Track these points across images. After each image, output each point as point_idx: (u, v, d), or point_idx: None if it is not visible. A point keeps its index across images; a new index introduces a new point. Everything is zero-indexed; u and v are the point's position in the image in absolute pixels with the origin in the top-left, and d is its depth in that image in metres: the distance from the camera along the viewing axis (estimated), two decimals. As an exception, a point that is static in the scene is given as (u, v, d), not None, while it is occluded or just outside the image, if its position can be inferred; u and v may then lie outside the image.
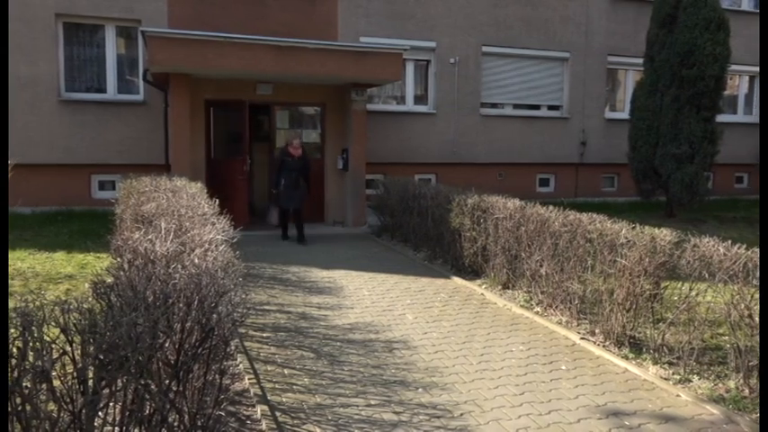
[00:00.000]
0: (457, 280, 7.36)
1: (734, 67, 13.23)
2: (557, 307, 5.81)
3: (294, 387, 4.12)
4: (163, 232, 3.89)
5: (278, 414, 3.69)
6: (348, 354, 4.78)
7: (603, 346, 4.98)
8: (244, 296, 3.32)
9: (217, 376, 3.08)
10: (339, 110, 11.74)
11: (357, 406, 3.85)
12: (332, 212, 11.89)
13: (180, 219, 4.50)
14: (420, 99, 13.79)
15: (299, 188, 9.72)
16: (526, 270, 6.31)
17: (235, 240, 4.18)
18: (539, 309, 6.02)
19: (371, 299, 6.46)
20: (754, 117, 16.80)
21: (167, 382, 2.69)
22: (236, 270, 3.59)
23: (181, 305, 2.81)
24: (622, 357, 4.75)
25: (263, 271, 7.59)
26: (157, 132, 11.52)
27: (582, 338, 5.18)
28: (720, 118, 12.77)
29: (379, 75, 10.93)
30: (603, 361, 4.75)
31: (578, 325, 5.49)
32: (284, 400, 3.91)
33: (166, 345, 2.76)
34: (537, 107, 14.72)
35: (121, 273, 3.25)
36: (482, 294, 6.73)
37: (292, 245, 9.57)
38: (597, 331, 5.18)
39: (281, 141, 11.89)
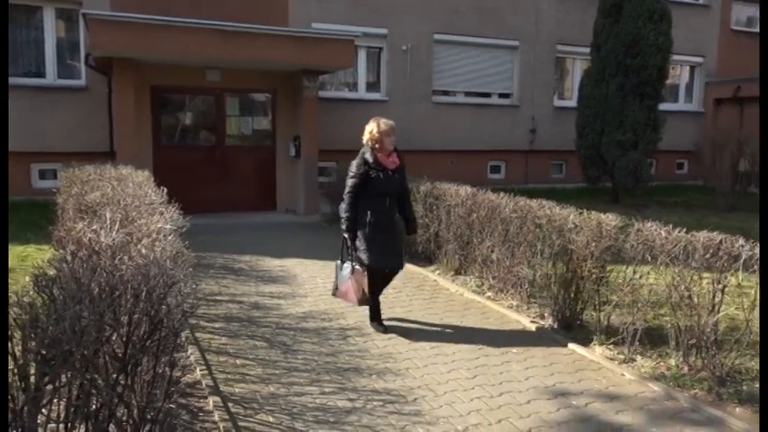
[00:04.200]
0: (410, 267, 7.40)
1: (675, 56, 13.70)
2: (507, 291, 5.93)
3: (247, 377, 4.08)
4: (108, 222, 3.77)
5: (230, 405, 3.65)
6: (302, 342, 4.76)
7: (552, 329, 5.11)
8: (194, 286, 3.25)
9: (167, 368, 3.02)
10: (291, 97, 11.59)
11: (311, 394, 3.84)
12: (284, 200, 11.78)
13: (126, 208, 4.38)
14: (373, 86, 13.75)
15: (397, 227, 5.25)
16: (478, 256, 6.40)
17: (184, 230, 4.09)
18: (490, 293, 6.12)
19: (325, 287, 6.43)
20: (694, 105, 17.45)
21: (115, 375, 2.62)
22: (186, 260, 3.51)
23: (128, 297, 2.73)
24: (571, 339, 4.88)
25: (215, 260, 7.46)
26: (101, 119, 11.12)
27: (532, 321, 5.31)
28: (663, 106, 13.21)
29: (331, 61, 10.84)
30: (553, 343, 4.87)
31: (528, 308, 5.62)
32: (237, 390, 3.87)
33: (113, 338, 2.69)
34: (488, 95, 14.89)
35: (64, 265, 3.13)
36: (435, 281, 6.80)
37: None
38: (547, 314, 5.32)
39: (233, 129, 11.69)
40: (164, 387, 2.95)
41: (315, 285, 6.49)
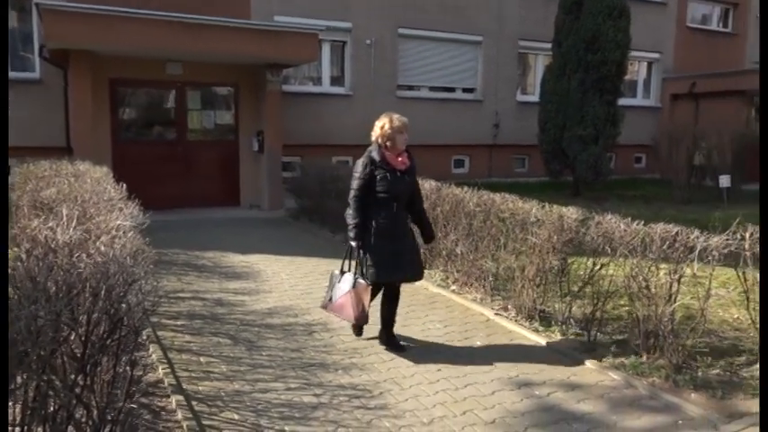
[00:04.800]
0: (375, 261, 7.42)
1: (634, 53, 14.00)
2: (472, 285, 5.99)
3: (211, 375, 4.03)
4: (65, 219, 3.68)
5: (194, 403, 3.60)
6: (267, 338, 4.73)
7: (516, 321, 5.18)
8: (155, 284, 3.19)
9: (127, 368, 2.96)
10: (254, 90, 11.46)
11: (276, 390, 3.82)
12: (247, 196, 11.65)
13: (84, 205, 4.27)
14: (337, 80, 13.69)
15: (409, 234, 4.65)
16: (442, 250, 6.44)
17: (145, 226, 4.01)
18: (455, 287, 6.18)
19: (290, 282, 6.41)
20: (652, 101, 17.88)
21: (73, 376, 2.56)
22: (147, 257, 3.44)
23: (87, 295, 2.67)
24: (533, 330, 4.97)
25: (177, 257, 7.34)
26: (57, 113, 10.80)
27: (496, 314, 5.37)
28: (622, 101, 13.49)
29: (294, 55, 10.75)
30: (516, 335, 4.95)
31: (492, 301, 5.69)
32: (201, 388, 3.82)
33: (71, 338, 2.63)
34: (452, 90, 14.98)
35: (19, 263, 3.04)
36: (400, 275, 6.82)
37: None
38: (510, 306, 5.39)
39: (195, 123, 11.50)
40: (124, 387, 2.90)
41: (280, 281, 6.45)
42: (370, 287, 4.40)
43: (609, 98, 12.78)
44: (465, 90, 15.12)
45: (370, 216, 4.35)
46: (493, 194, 5.93)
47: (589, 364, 4.35)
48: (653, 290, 4.25)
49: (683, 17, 18.15)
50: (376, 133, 4.49)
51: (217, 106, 11.86)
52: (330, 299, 4.60)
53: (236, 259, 7.38)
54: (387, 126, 4.43)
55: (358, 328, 4.71)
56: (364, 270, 4.40)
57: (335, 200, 8.98)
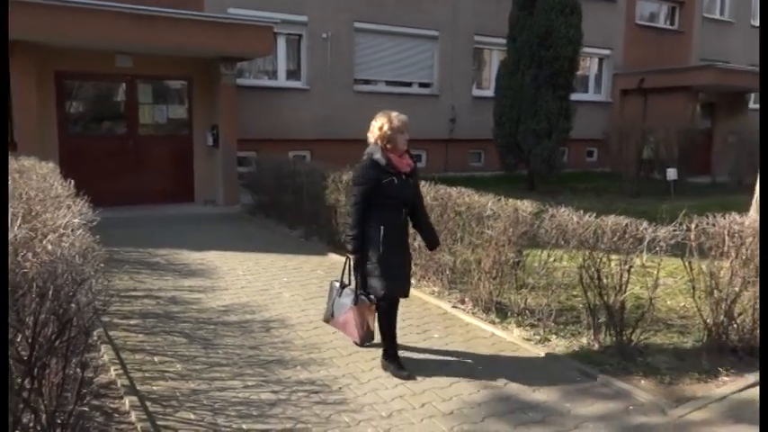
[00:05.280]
0: (333, 256, 7.40)
1: (585, 49, 14.31)
2: (429, 278, 6.03)
3: (166, 374, 3.95)
4: (9, 217, 3.53)
5: (148, 404, 3.52)
6: (223, 336, 4.66)
7: (473, 313, 5.25)
8: (106, 283, 3.11)
9: (78, 370, 2.87)
10: (207, 84, 11.24)
11: (234, 388, 3.77)
12: (202, 191, 11.44)
13: (29, 202, 4.11)
14: (293, 74, 13.56)
15: (408, 246, 4.44)
16: (400, 244, 6.46)
17: (95, 224, 3.89)
18: (413, 281, 6.19)
19: (247, 279, 6.33)
20: (603, 96, 18.32)
21: (20, 380, 2.47)
22: (97, 255, 3.34)
23: (33, 296, 2.58)
24: (490, 322, 5.04)
25: (129, 255, 7.16)
26: (0, 107, 10.35)
27: (453, 307, 5.43)
28: (574, 96, 13.79)
29: (248, 48, 10.60)
30: (473, 327, 5.01)
31: (450, 294, 5.74)
32: (155, 388, 3.74)
33: (17, 340, 2.54)
34: (409, 84, 15.02)
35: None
36: (358, 269, 6.82)
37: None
38: (467, 299, 5.45)
39: (147, 117, 11.22)
40: (75, 389, 2.81)
41: (236, 278, 6.36)
42: (374, 306, 4.08)
43: (562, 93, 13.05)
44: (421, 85, 15.19)
45: (376, 225, 3.95)
46: (449, 188, 5.98)
47: (544, 353, 4.44)
48: (604, 280, 4.36)
49: (632, 14, 18.64)
50: (374, 134, 4.09)
51: (169, 100, 11.60)
52: (332, 314, 4.31)
53: (190, 256, 7.25)
54: (386, 126, 4.04)
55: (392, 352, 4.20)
56: (366, 284, 4.04)
57: (293, 195, 8.93)
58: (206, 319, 5.06)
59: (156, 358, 4.21)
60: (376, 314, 4.21)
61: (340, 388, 3.84)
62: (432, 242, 4.44)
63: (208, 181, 11.41)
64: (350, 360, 4.27)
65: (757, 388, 3.94)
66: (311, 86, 13.42)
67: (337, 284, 4.31)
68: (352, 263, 4.10)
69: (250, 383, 3.85)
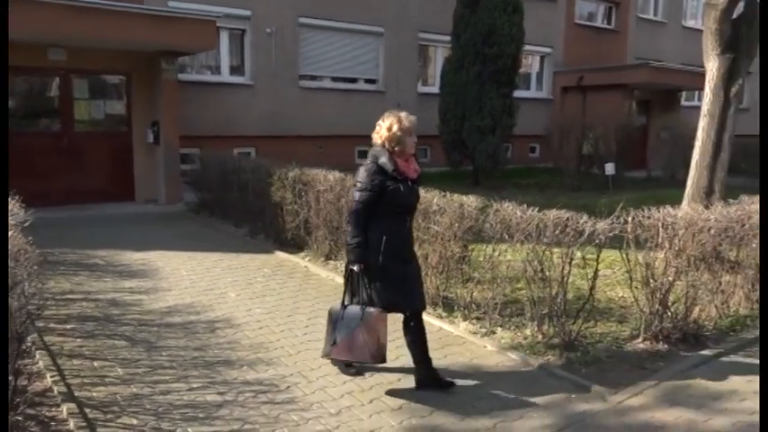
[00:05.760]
0: (280, 254, 7.33)
1: (527, 47, 14.61)
2: (377, 274, 6.03)
3: (106, 379, 3.82)
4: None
5: (88, 410, 3.40)
6: (167, 338, 4.54)
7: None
8: (40, 286, 2.98)
9: (11, 378, 2.75)
10: (147, 79, 10.91)
11: (178, 391, 3.68)
12: (143, 190, 11.11)
13: (-46, 202, 3.89)
14: (236, 70, 13.31)
15: (415, 255, 4.15)
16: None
17: (27, 224, 3.72)
18: (361, 277, 6.20)
19: (191, 279, 6.19)
20: (545, 93, 18.76)
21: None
22: (30, 257, 3.21)
23: (-42, 302, 2.45)
24: (437, 317, 5.10)
25: (65, 257, 6.89)
26: None
27: (401, 302, 5.45)
28: (517, 93, 14.08)
29: (190, 43, 10.34)
30: (420, 322, 5.05)
31: (397, 290, 5.76)
32: (95, 394, 3.61)
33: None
34: (354, 80, 14.99)
35: None
36: (306, 267, 6.78)
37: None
38: (414, 294, 5.48)
39: (83, 113, 10.79)
40: (7, 398, 2.69)
41: (180, 278, 6.21)
42: (385, 315, 3.67)
43: (505, 90, 13.29)
44: (367, 81, 15.19)
45: (378, 234, 3.63)
46: (396, 184, 5.99)
47: (490, 346, 4.52)
48: (547, 273, 4.47)
49: (572, 14, 19.16)
50: (381, 136, 3.76)
51: (107, 95, 11.20)
52: (334, 342, 3.71)
53: (131, 257, 7.03)
54: (395, 127, 3.73)
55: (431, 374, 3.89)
56: (372, 296, 3.67)
57: (238, 192, 8.78)
58: (148, 321, 4.92)
59: (95, 363, 4.07)
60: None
61: (288, 387, 3.80)
62: None
63: (149, 179, 11.09)
64: (298, 359, 4.24)
65: (691, 371, 4.14)
66: (255, 82, 13.22)
67: (338, 308, 3.77)
68: (355, 274, 3.68)
69: (195, 385, 3.77)
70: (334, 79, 14.64)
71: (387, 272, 3.66)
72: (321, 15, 13.93)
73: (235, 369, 4.04)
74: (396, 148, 3.74)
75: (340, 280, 6.14)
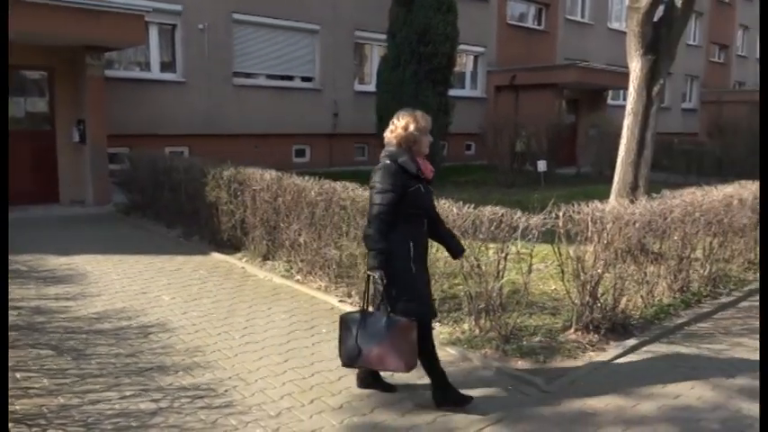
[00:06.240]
0: (216, 255, 7.17)
1: (462, 46, 14.85)
2: (316, 273, 6.01)
3: (30, 391, 3.63)
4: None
5: (11, 425, 3.21)
6: (96, 345, 4.36)
7: (360, 306, 5.28)
8: (-46, 295, 2.80)
9: None
10: (71, 75, 10.43)
11: (110, 400, 3.54)
12: (68, 191, 10.63)
13: None
14: (167, 66, 12.92)
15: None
16: (285, 240, 6.39)
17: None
18: (299, 277, 6.16)
19: (122, 283, 5.97)
20: (479, 92, 19.14)
21: None
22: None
23: None
24: (376, 314, 5.10)
25: (-16, 263, 6.49)
26: None
27: (340, 301, 5.45)
28: (452, 92, 14.29)
29: (117, 38, 9.94)
30: (360, 320, 5.05)
31: (337, 288, 5.75)
32: (18, 407, 3.42)
33: None
34: (290, 78, 14.84)
35: None
36: (243, 268, 6.66)
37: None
38: (354, 293, 5.49)
39: None
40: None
41: (109, 282, 5.98)
42: (415, 322, 3.43)
43: (440, 89, 13.46)
44: (303, 79, 15.06)
45: (403, 239, 3.45)
46: (334, 183, 5.98)
47: (429, 342, 4.57)
48: (483, 268, 4.56)
49: (504, 14, 19.63)
50: (397, 135, 3.60)
51: (27, 92, 10.62)
52: (359, 352, 3.44)
53: (56, 261, 6.71)
54: (412, 126, 3.58)
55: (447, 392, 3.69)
56: (405, 307, 3.44)
57: (170, 193, 8.53)
58: (76, 328, 4.71)
59: (17, 374, 3.85)
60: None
61: (226, 390, 3.72)
62: (459, 249, 3.93)
63: (75, 180, 10.61)
64: (236, 361, 4.16)
65: (620, 360, 4.32)
66: (187, 79, 12.87)
67: (356, 315, 3.56)
68: (376, 282, 3.44)
69: (128, 393, 3.63)
70: (270, 77, 14.45)
71: (416, 282, 3.51)
72: (255, 12, 13.71)
73: (170, 374, 3.92)
74: (412, 148, 3.61)
75: (278, 280, 6.09)
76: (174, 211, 8.56)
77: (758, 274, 6.63)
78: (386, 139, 3.67)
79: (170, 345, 4.42)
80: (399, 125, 3.62)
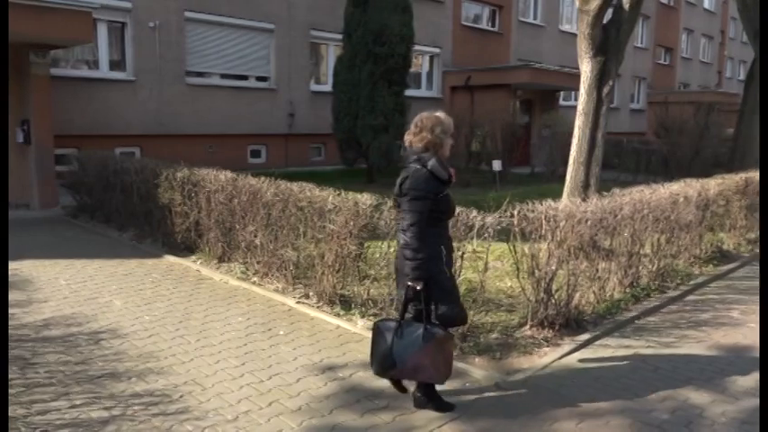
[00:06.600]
0: (170, 258, 7.01)
1: (417, 47, 14.96)
2: (273, 275, 5.94)
3: (-27, 403, 3.48)
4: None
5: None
6: (44, 354, 4.21)
7: (317, 307, 5.27)
8: None
9: None
10: (14, 74, 10.01)
11: (59, 410, 3.42)
12: (13, 194, 10.21)
13: None
14: (117, 65, 12.58)
15: None
16: (241, 242, 6.30)
17: None
18: (256, 279, 6.08)
19: (71, 288, 5.78)
20: (435, 92, 19.29)
21: None
22: None
23: None
24: (335, 315, 5.09)
25: None
26: None
27: (298, 302, 5.41)
28: (408, 92, 14.36)
29: (63, 35, 9.61)
30: (318, 321, 5.03)
31: (294, 290, 5.70)
32: (-40, 420, 3.28)
33: None
34: (245, 77, 14.65)
35: None
36: (198, 270, 6.53)
37: None
38: (311, 294, 5.46)
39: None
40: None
41: (57, 288, 5.78)
42: (452, 334, 3.46)
43: (396, 89, 13.52)
44: (259, 78, 14.89)
45: (436, 245, 3.40)
46: (290, 184, 5.93)
47: (387, 341, 4.57)
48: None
49: (458, 15, 19.84)
50: (424, 138, 3.51)
51: (-33, 91, 10.18)
52: (393, 363, 3.40)
53: (1, 267, 6.44)
54: (438, 129, 3.52)
55: (399, 384, 3.68)
56: (446, 315, 3.45)
57: (122, 195, 8.31)
58: (22, 336, 4.53)
59: (-41, 385, 3.69)
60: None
61: (181, 396, 3.65)
62: None
63: (18, 182, 10.21)
64: (192, 366, 4.08)
65: (574, 355, 4.42)
66: (138, 78, 12.56)
67: (392, 323, 3.47)
68: (412, 293, 3.37)
69: (78, 402, 3.52)
70: (224, 76, 14.24)
71: (451, 283, 3.53)
72: (208, 10, 13.49)
73: (122, 381, 3.81)
74: (438, 151, 3.53)
75: (234, 283, 6.01)
76: (125, 214, 8.34)
77: (704, 269, 6.89)
78: (408, 143, 3.59)
79: (122, 351, 4.30)
80: (426, 127, 3.53)
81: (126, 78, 12.48)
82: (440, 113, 3.63)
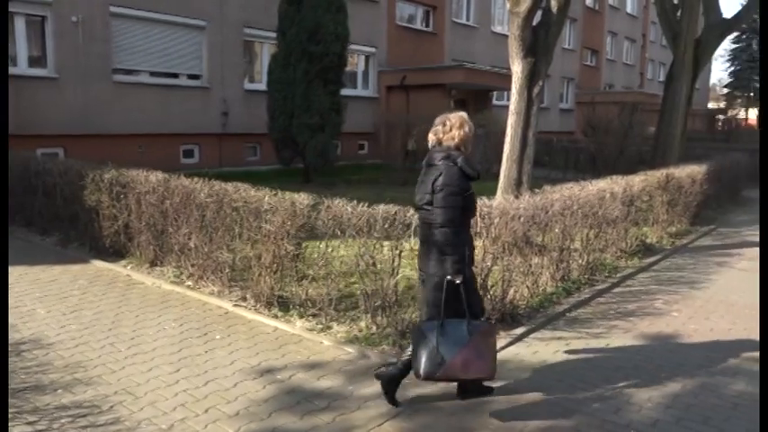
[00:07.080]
0: (98, 263, 6.73)
1: (353, 46, 14.93)
2: (208, 278, 5.80)
3: None
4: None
5: None
6: (-40, 367, 3.95)
7: (255, 310, 5.18)
8: None
9: None
10: None
11: (-23, 427, 3.22)
12: (-76, 198, 9.56)
13: None
14: (37, 61, 11.96)
15: None
16: (174, 244, 6.11)
17: None
18: (190, 282, 5.92)
19: (-11, 297, 5.45)
20: (371, 91, 19.33)
21: None
22: None
23: None
24: (272, 317, 5.02)
25: None
26: None
27: (234, 305, 5.30)
28: (344, 92, 14.33)
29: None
30: (256, 323, 4.94)
31: (230, 293, 5.58)
32: None
33: None
34: (176, 75, 14.23)
35: None
36: (128, 275, 6.30)
37: None
38: (248, 296, 5.35)
39: None
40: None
41: (-26, 297, 5.44)
42: (495, 325, 3.48)
43: (332, 88, 13.46)
44: (190, 76, 14.50)
45: (463, 242, 3.45)
46: (225, 184, 5.80)
47: (327, 341, 4.56)
48: (378, 266, 4.61)
49: (393, 15, 19.95)
50: (454, 137, 3.53)
51: None
52: (440, 361, 3.31)
53: None
54: (467, 128, 3.56)
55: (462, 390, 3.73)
56: (472, 309, 3.45)
57: (44, 197, 7.90)
58: (-66, 349, 4.24)
59: None
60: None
61: (112, 406, 3.51)
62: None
63: (-70, 185, 9.56)
64: (123, 375, 3.93)
65: (510, 348, 4.52)
66: (61, 75, 11.98)
67: (433, 323, 3.40)
68: (452, 289, 3.39)
69: (-2, 418, 3.32)
70: (154, 74, 13.78)
71: (475, 281, 3.71)
72: (135, 5, 13.02)
73: (47, 394, 3.63)
74: (466, 150, 3.56)
75: (167, 287, 5.83)
76: (48, 217, 7.94)
77: (630, 262, 7.21)
78: (435, 142, 3.62)
79: (47, 362, 4.09)
80: (454, 125, 3.57)
81: (47, 75, 11.88)
82: (463, 113, 3.67)
